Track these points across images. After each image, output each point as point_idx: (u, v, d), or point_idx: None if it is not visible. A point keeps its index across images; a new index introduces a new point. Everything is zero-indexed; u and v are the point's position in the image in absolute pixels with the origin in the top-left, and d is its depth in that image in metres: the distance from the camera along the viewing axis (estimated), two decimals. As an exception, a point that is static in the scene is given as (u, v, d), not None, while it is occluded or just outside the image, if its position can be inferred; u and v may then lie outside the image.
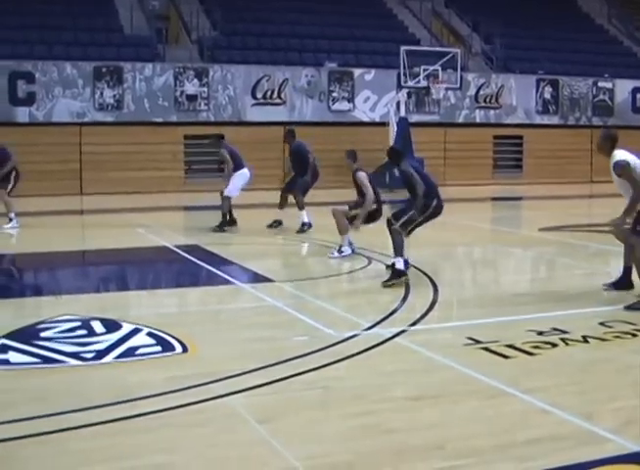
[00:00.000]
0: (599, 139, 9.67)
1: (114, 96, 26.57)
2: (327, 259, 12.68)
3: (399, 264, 10.41)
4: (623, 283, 9.94)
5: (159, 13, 31.34)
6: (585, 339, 7.63)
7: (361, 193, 12.35)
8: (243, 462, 4.87)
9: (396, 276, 10.31)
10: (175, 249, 13.70)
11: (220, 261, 12.42)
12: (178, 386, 6.13)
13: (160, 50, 28.58)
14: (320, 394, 6.11)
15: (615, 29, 38.48)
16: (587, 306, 9.17)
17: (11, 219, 16.57)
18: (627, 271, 9.88)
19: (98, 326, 8.05)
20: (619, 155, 9.37)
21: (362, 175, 12.28)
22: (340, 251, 12.63)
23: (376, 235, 15.31)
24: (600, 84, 33.04)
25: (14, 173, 16.70)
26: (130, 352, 7.15)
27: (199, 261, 12.44)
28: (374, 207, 12.25)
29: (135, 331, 7.84)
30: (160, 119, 27.10)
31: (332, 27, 31.00)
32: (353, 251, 12.67)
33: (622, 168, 9.25)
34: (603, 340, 7.64)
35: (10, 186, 16.66)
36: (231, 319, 8.73)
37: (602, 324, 8.18)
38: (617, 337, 7.75)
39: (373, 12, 33.52)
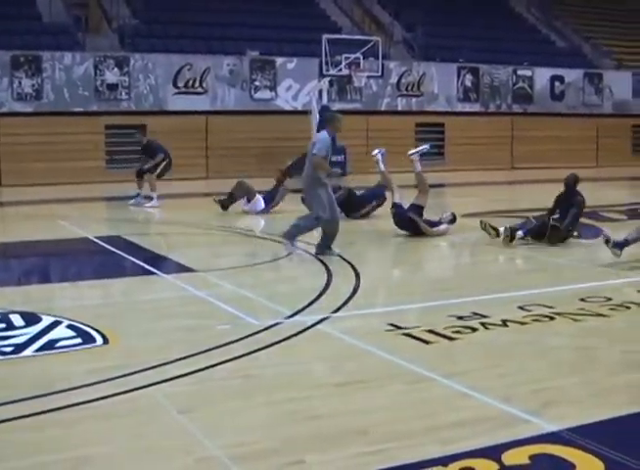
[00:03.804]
0: None
1: (33, 86, 26.11)
2: (250, 248, 12.69)
3: None
4: None
5: (78, 0, 30.85)
6: (505, 323, 7.75)
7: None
8: (165, 452, 4.85)
9: None
10: (97, 240, 13.53)
11: (142, 252, 12.32)
12: (99, 378, 6.07)
13: (79, 38, 28.16)
14: (243, 382, 6.10)
15: (533, 18, 39.00)
16: (507, 291, 9.31)
17: (152, 198, 18.48)
18: None
19: (17, 319, 7.93)
20: None
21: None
22: None
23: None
24: (519, 72, 33.46)
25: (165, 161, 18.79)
26: (50, 346, 7.06)
27: (121, 252, 12.32)
28: None
29: (55, 324, 7.74)
30: (80, 109, 26.72)
31: (253, 16, 30.85)
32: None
33: None
34: (522, 323, 7.76)
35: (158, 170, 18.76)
36: (153, 310, 8.66)
37: (521, 308, 8.31)
38: (536, 320, 7.88)
39: (295, 0, 33.46)
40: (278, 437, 5.05)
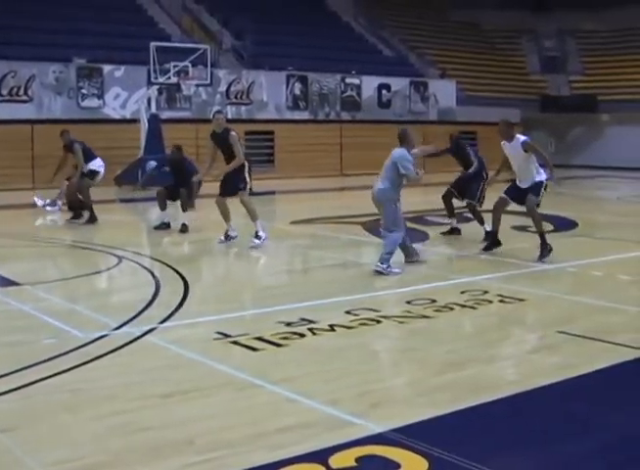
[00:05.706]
0: (503, 127, 11.98)
1: None
2: (77, 260, 12.45)
3: None
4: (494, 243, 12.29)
5: None
6: (332, 327, 7.86)
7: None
8: (-16, 474, 4.71)
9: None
10: None
11: (-36, 266, 11.86)
12: None
13: None
14: (69, 396, 5.98)
15: (360, 27, 39.74)
16: (335, 296, 9.41)
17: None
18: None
19: None
20: (522, 136, 11.97)
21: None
22: (258, 237, 13.02)
23: (125, 233, 15.17)
24: (348, 80, 34.00)
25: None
26: None
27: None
28: None
29: None
30: None
31: (80, 22, 30.25)
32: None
33: (529, 144, 11.74)
34: (349, 328, 7.89)
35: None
36: (-26, 326, 8.37)
37: (348, 312, 8.44)
38: (363, 324, 8.03)
39: (123, 6, 32.98)
40: (106, 451, 4.98)
